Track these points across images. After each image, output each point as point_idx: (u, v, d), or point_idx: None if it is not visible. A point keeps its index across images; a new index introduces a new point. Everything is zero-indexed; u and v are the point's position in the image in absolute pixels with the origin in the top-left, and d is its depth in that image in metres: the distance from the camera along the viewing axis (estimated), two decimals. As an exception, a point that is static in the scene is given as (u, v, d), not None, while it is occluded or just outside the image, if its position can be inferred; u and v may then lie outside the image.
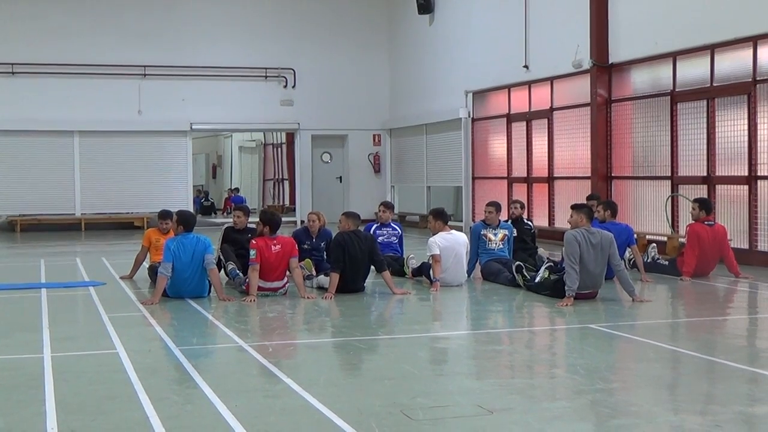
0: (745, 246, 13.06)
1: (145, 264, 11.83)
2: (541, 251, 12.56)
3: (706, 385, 6.24)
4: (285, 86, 24.53)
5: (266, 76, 24.39)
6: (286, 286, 10.29)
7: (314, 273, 11.14)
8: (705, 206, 11.63)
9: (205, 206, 29.63)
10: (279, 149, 31.11)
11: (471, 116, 20.92)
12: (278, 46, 24.40)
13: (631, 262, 11.71)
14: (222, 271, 10.83)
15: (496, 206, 11.78)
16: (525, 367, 6.84)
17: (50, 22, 22.75)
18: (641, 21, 15.26)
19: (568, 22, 16.99)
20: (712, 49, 13.74)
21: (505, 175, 19.60)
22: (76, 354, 7.25)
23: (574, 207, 9.85)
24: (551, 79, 17.85)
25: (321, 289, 10.58)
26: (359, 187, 25.15)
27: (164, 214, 11.74)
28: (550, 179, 18.03)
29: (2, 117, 22.38)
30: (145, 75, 23.43)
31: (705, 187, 13.89)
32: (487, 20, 20.03)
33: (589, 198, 13.12)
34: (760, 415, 5.36)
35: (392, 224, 12.53)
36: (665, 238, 13.92)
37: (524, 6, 18.37)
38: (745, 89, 13.13)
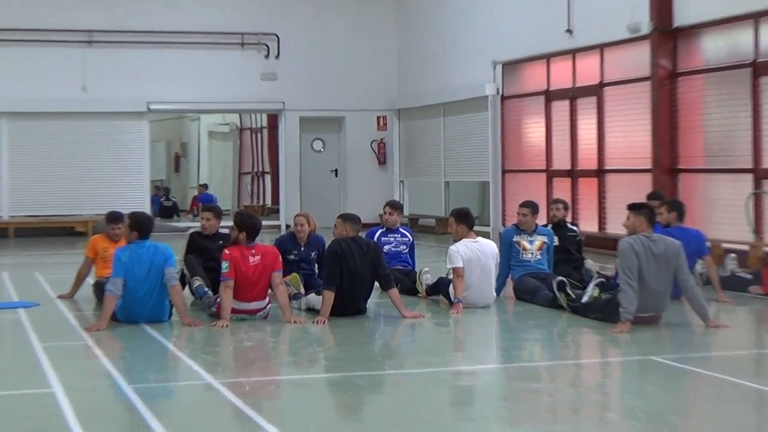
0: None
1: (90, 280, 11.83)
2: (589, 263, 12.56)
3: (801, 433, 6.21)
4: (266, 56, 24.59)
5: (243, 44, 24.46)
6: (268, 307, 10.27)
7: (303, 291, 11.13)
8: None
9: (165, 207, 29.69)
10: (259, 135, 31.14)
11: (500, 93, 20.93)
12: (258, 6, 24.49)
13: (704, 278, 11.66)
14: (187, 288, 10.81)
15: (533, 207, 11.78)
16: (570, 411, 6.80)
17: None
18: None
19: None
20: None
21: (544, 168, 19.61)
22: (2, 394, 7.21)
23: (632, 208, 9.85)
24: (601, 47, 17.85)
25: (311, 311, 10.55)
26: (360, 183, 25.22)
27: (114, 217, 11.72)
28: (600, 173, 18.03)
29: None
30: (90, 42, 23.48)
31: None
32: (520, -27, 20.11)
33: (650, 197, 13.09)
34: None
35: (401, 229, 12.54)
36: (747, 247, 13.87)
37: (567, -45, 18.43)
38: None
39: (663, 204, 11.88)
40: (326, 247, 10.76)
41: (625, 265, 9.37)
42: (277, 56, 24.58)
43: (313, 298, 10.67)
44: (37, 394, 7.17)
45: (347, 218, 10.55)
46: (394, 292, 10.37)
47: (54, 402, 6.85)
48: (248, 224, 10.16)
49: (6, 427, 6.31)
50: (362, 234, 10.88)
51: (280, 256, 10.38)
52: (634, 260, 9.35)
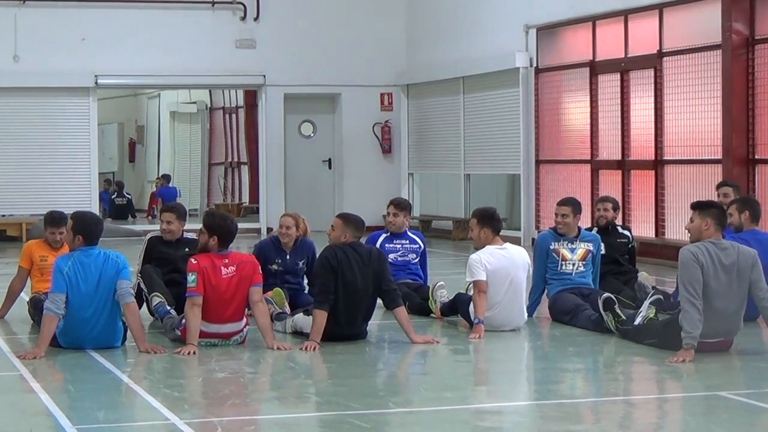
0: None
1: (24, 296, 11.88)
2: (644, 276, 12.55)
3: None
4: (243, 18, 24.70)
5: (213, 3, 24.54)
6: (245, 330, 10.32)
7: (288, 310, 11.19)
8: None
9: (117, 205, 29.77)
10: (233, 116, 31.23)
11: (535, 65, 21.01)
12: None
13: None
14: (144, 306, 10.86)
15: (574, 206, 11.80)
16: (619, 459, 6.84)
17: None
18: None
19: None
20: None
21: (588, 158, 19.69)
22: None
23: (697, 207, 9.85)
24: (660, 7, 17.91)
25: (299, 334, 10.60)
26: (359, 177, 25.32)
27: (54, 219, 11.75)
28: (658, 164, 18.09)
29: None
30: (24, 0, 23.57)
31: None
32: None
33: (720, 186, 13.11)
34: None
35: (409, 234, 12.58)
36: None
37: None
38: None
39: (733, 202, 11.87)
40: (318, 255, 10.78)
41: (688, 280, 9.39)
42: (256, 18, 24.68)
43: (301, 319, 10.68)
44: (-39, 436, 7.23)
45: (349, 220, 10.53)
46: (402, 311, 10.41)
47: (-19, 446, 6.92)
48: (221, 227, 10.18)
49: None
50: (363, 240, 10.94)
51: (260, 267, 10.42)
52: (698, 274, 9.37)
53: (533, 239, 12.76)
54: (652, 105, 18.13)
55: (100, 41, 23.79)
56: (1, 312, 11.93)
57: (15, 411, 7.94)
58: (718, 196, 12.44)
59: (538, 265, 11.63)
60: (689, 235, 9.81)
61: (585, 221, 12.69)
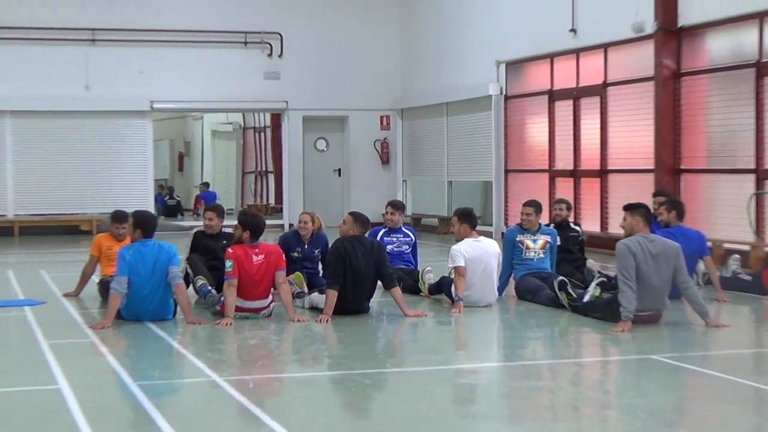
0: None
1: (95, 278, 11.88)
2: (591, 263, 12.57)
3: (798, 431, 6.27)
4: (270, 55, 24.61)
5: (246, 43, 24.46)
6: (272, 305, 10.33)
7: (306, 289, 11.19)
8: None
9: (169, 206, 29.61)
10: (262, 134, 31.13)
11: (504, 93, 20.94)
12: (261, 4, 24.48)
13: (706, 277, 11.70)
14: (191, 287, 10.87)
15: (536, 206, 11.80)
16: (570, 409, 6.86)
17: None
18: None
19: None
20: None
21: (547, 168, 19.64)
22: (7, 390, 7.27)
23: (628, 208, 9.88)
24: (605, 47, 17.88)
25: (315, 309, 10.61)
26: (363, 183, 25.22)
27: (118, 216, 11.74)
28: (603, 173, 18.05)
29: None
30: (94, 41, 23.51)
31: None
32: (524, -28, 20.12)
33: (656, 194, 13.13)
34: None
35: (403, 229, 12.55)
36: (748, 247, 13.90)
37: (571, -46, 18.47)
38: None
39: (662, 204, 11.89)
40: (329, 245, 10.80)
41: (623, 267, 9.43)
42: (281, 55, 24.61)
43: (317, 297, 10.72)
44: (44, 390, 7.23)
45: (358, 218, 10.51)
46: (397, 291, 10.44)
47: (60, 399, 6.90)
48: (252, 223, 10.20)
49: (13, 423, 6.38)
50: (366, 234, 10.94)
51: (284, 255, 10.43)
52: (631, 261, 9.41)
53: (503, 233, 12.74)
54: (599, 125, 18.08)
55: (155, 74, 23.69)
56: (76, 291, 11.94)
57: (87, 370, 7.99)
58: (654, 203, 12.43)
59: (506, 253, 11.62)
60: (623, 230, 9.85)
61: (544, 218, 12.66)
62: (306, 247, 11.66)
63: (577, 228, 12.98)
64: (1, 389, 7.30)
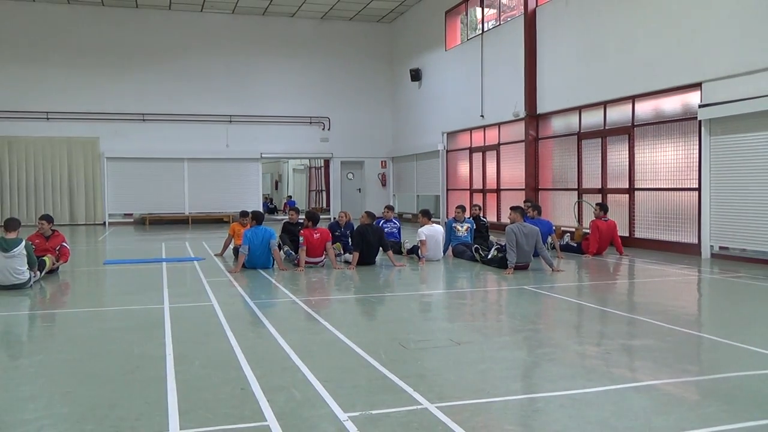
0: (627, 234, 13.06)
1: (231, 246, 11.86)
2: (492, 238, 12.55)
3: (600, 326, 6.24)
4: (323, 129, 24.49)
5: (311, 122, 24.36)
6: (324, 260, 10.30)
7: (342, 252, 11.15)
8: (603, 208, 11.69)
9: (270, 208, 29.64)
10: (319, 170, 31.10)
11: (445, 149, 20.86)
12: (318, 101, 24.34)
13: (552, 246, 11.71)
14: (281, 250, 10.83)
15: (462, 208, 11.77)
16: (481, 314, 6.84)
17: (167, 86, 22.74)
18: (558, 86, 15.22)
19: (510, 86, 16.93)
20: (604, 105, 13.76)
21: (468, 188, 19.55)
22: (185, 305, 7.26)
23: (512, 208, 9.87)
24: (499, 124, 17.80)
25: (347, 262, 10.58)
26: (372, 195, 25.06)
27: (243, 213, 11.73)
28: (498, 190, 17.99)
29: (137, 148, 22.49)
30: (230, 121, 23.42)
31: (600, 195, 13.88)
32: (456, 85, 19.93)
33: (525, 201, 13.10)
34: (637, 346, 5.38)
35: (394, 220, 12.48)
36: (573, 229, 13.89)
37: (480, 75, 18.35)
38: (626, 131, 13.19)
39: (530, 206, 11.87)
40: (355, 229, 10.76)
41: (509, 241, 9.43)
42: (329, 128, 24.47)
43: (348, 256, 10.67)
44: (203, 305, 7.20)
45: (369, 214, 10.52)
46: (390, 253, 10.40)
47: (212, 310, 6.90)
48: (314, 217, 10.19)
49: (189, 321, 6.37)
50: (373, 222, 10.89)
51: (331, 234, 10.40)
52: (513, 237, 9.41)
53: (445, 222, 12.67)
54: (495, 165, 17.94)
55: (263, 138, 23.56)
56: (221, 253, 11.91)
57: (227, 295, 7.92)
58: (525, 205, 12.40)
59: (446, 232, 11.58)
60: (509, 220, 9.83)
61: (467, 214, 12.61)
62: (342, 229, 11.62)
63: (484, 219, 12.91)
64: (182, 304, 7.26)
